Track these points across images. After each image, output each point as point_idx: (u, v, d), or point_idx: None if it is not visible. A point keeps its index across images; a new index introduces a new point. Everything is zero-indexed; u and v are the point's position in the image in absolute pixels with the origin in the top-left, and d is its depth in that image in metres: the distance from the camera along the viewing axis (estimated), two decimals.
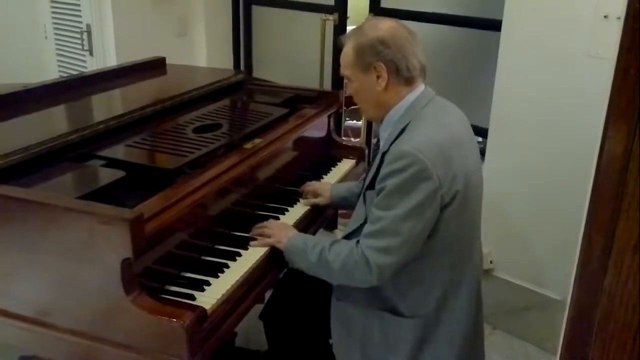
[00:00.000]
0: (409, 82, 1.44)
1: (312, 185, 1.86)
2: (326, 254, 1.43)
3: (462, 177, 1.37)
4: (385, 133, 1.47)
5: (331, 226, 3.03)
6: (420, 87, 1.46)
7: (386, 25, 1.43)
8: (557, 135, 2.11)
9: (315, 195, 1.83)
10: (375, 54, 1.40)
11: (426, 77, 1.48)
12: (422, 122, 1.40)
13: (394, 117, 1.45)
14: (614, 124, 0.60)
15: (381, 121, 1.51)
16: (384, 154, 1.40)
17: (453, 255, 1.44)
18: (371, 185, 1.42)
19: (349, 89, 1.53)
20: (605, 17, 1.90)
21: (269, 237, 1.55)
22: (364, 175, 2.16)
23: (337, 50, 2.90)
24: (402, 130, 1.40)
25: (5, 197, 1.30)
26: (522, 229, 2.29)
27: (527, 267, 2.31)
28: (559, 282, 2.22)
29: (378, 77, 1.42)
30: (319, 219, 1.87)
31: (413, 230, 1.33)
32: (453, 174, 1.35)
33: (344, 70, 1.48)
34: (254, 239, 1.56)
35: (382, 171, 1.36)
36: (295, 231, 1.58)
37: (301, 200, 1.82)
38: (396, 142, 1.39)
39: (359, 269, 1.37)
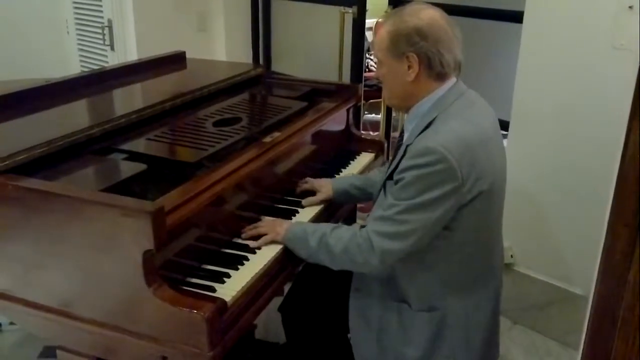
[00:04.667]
0: (441, 77, 1.40)
1: (309, 182, 1.81)
2: (327, 238, 1.42)
3: (488, 178, 1.35)
4: (410, 125, 1.44)
5: (350, 220, 3.03)
6: (451, 81, 1.41)
7: (427, 14, 1.38)
8: (580, 128, 2.08)
9: (315, 192, 1.78)
10: (410, 44, 1.36)
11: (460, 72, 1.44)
12: (450, 118, 1.36)
13: (421, 109, 1.42)
14: (639, 115, 0.59)
15: (404, 111, 1.49)
16: (408, 146, 1.38)
17: (473, 251, 1.43)
18: (392, 176, 1.40)
19: (377, 72, 1.49)
20: (630, 7, 1.87)
21: (264, 234, 1.52)
22: (382, 166, 2.16)
23: (357, 43, 2.91)
24: (429, 124, 1.37)
25: (30, 189, 1.32)
26: (544, 223, 2.27)
27: (548, 262, 2.29)
28: (581, 277, 2.19)
29: (409, 67, 1.38)
30: (338, 213, 1.86)
31: (423, 221, 1.32)
32: (478, 174, 1.32)
33: (376, 52, 1.44)
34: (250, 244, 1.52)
35: (404, 163, 1.34)
36: (291, 222, 1.57)
37: (302, 202, 1.74)
38: (421, 135, 1.36)
39: (362, 252, 1.36)
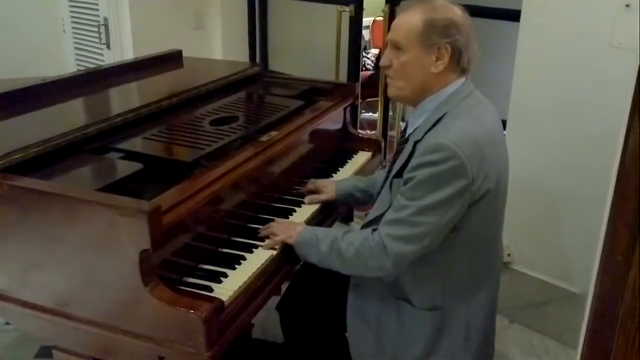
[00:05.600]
0: (462, 73, 1.40)
1: (313, 182, 1.82)
2: (338, 243, 1.40)
3: (495, 176, 1.35)
4: (417, 120, 1.43)
5: (347, 219, 3.03)
6: (462, 79, 1.41)
7: (459, 11, 1.38)
8: (577, 126, 2.08)
9: (318, 192, 1.79)
10: (446, 35, 1.34)
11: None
12: (459, 115, 1.36)
13: (430, 104, 1.40)
14: (639, 114, 0.59)
15: (410, 104, 1.47)
16: (416, 142, 1.37)
17: (476, 251, 1.43)
18: (399, 173, 1.39)
19: (388, 58, 1.41)
20: (627, 6, 1.87)
21: (277, 235, 1.52)
22: (382, 167, 2.16)
23: (354, 41, 2.91)
24: (438, 120, 1.36)
25: (25, 189, 1.32)
26: (541, 221, 2.27)
27: (545, 260, 2.29)
28: (578, 276, 2.19)
29: (437, 59, 1.36)
30: (334, 212, 1.86)
31: (437, 223, 1.31)
32: (486, 172, 1.32)
33: (400, 37, 1.38)
34: (262, 244, 1.52)
35: (414, 161, 1.32)
36: (304, 225, 1.56)
37: (305, 199, 1.76)
38: (431, 132, 1.35)
39: (374, 256, 1.35)
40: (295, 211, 1.71)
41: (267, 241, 1.52)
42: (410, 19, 1.37)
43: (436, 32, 1.34)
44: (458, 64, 1.38)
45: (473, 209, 1.34)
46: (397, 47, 1.39)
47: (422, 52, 1.36)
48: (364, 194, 1.78)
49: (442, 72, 1.38)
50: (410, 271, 1.41)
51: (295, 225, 1.55)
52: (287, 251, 1.52)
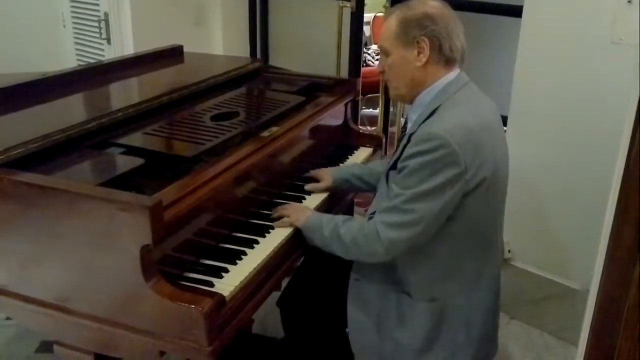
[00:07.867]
0: (449, 63, 1.43)
1: (312, 171, 1.87)
2: (339, 229, 1.46)
3: (491, 164, 1.36)
4: (414, 115, 1.46)
5: (348, 214, 3.03)
6: (455, 71, 1.44)
7: (434, 3, 1.43)
8: (578, 123, 2.08)
9: (316, 180, 1.82)
10: (421, 28, 1.39)
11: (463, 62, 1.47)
12: (454, 106, 1.38)
13: (425, 98, 1.44)
14: None
15: (409, 102, 1.50)
16: (411, 135, 1.39)
17: (475, 242, 1.44)
18: (395, 165, 1.41)
19: (381, 64, 1.51)
20: (628, 2, 1.86)
21: (288, 217, 1.58)
22: (383, 158, 2.16)
23: (355, 37, 2.90)
24: (432, 113, 1.39)
25: (26, 184, 1.31)
26: (541, 217, 2.27)
27: (545, 257, 2.29)
28: (578, 272, 2.19)
29: (419, 52, 1.41)
30: (336, 207, 1.86)
31: (429, 210, 1.32)
32: (481, 160, 1.34)
33: (383, 42, 1.46)
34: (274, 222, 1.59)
35: (407, 151, 1.35)
36: (313, 211, 1.61)
37: (305, 186, 1.81)
38: (425, 123, 1.38)
39: (369, 242, 1.39)
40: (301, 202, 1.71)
41: (277, 222, 1.58)
42: (388, 24, 1.45)
43: (411, 27, 1.40)
44: (440, 53, 1.41)
45: (469, 198, 1.35)
46: (385, 53, 1.47)
47: (404, 50, 1.42)
48: (361, 180, 1.81)
49: (428, 65, 1.42)
50: (410, 263, 1.43)
51: (305, 210, 1.62)
52: (287, 246, 1.52)
